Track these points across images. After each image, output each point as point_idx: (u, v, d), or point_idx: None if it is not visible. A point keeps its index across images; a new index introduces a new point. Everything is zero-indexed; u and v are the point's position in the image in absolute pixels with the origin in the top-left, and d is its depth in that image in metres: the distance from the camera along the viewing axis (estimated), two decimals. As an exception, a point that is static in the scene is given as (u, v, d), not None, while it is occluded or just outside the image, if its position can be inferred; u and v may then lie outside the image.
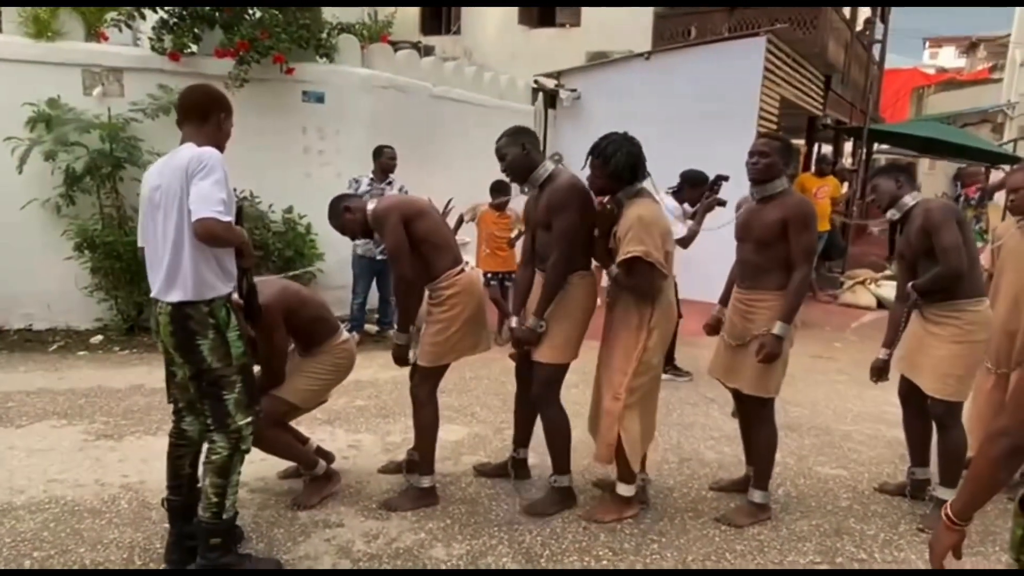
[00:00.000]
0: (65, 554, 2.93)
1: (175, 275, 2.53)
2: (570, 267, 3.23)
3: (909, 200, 3.39)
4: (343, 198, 3.51)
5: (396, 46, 7.97)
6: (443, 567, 2.93)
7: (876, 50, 15.27)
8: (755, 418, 3.47)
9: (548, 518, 3.36)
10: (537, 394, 3.41)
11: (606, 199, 3.31)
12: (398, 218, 3.23)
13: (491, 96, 8.89)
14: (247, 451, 2.75)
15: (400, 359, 3.46)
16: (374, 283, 6.45)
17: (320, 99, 6.78)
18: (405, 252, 3.24)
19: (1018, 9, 24.44)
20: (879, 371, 3.61)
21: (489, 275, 6.23)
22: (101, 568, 2.85)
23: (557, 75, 9.59)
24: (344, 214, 3.40)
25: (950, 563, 1.71)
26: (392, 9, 12.51)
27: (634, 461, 3.29)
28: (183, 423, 2.84)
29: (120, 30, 6.34)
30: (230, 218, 2.51)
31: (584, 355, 3.44)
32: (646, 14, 11.53)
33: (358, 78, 6.99)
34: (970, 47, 37.73)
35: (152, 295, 2.63)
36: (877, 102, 16.08)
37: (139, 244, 2.76)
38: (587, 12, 12.39)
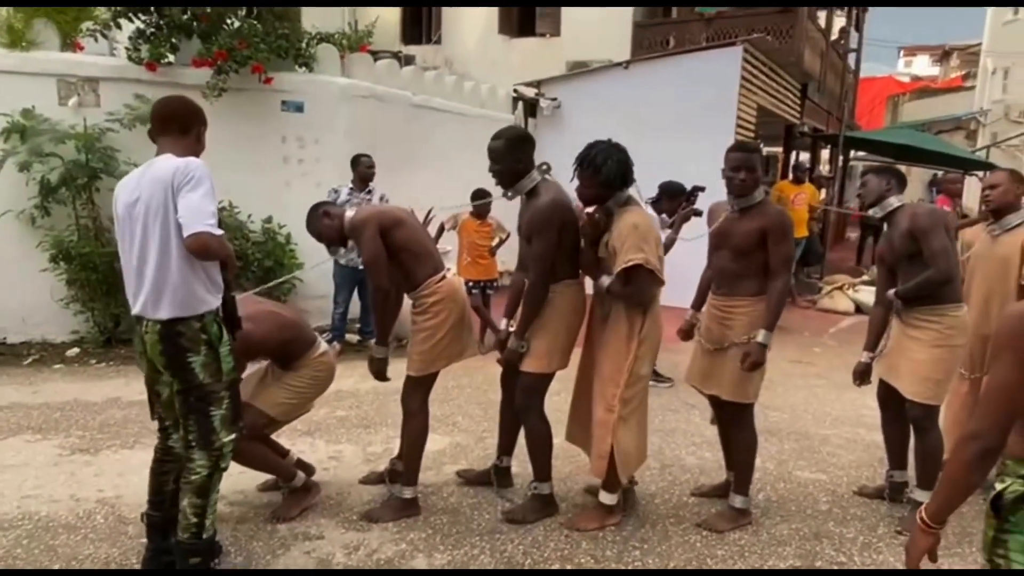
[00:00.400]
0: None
1: (162, 291, 2.47)
2: (553, 278, 3.24)
3: (895, 201, 3.43)
4: (321, 205, 3.49)
5: (376, 56, 7.97)
6: None
7: (852, 59, 15.53)
8: (734, 424, 3.49)
9: (530, 527, 3.34)
10: (519, 402, 3.42)
11: (593, 209, 3.28)
12: (375, 228, 3.21)
13: (472, 105, 8.91)
14: (226, 468, 2.71)
15: (379, 374, 3.44)
16: (355, 293, 6.43)
17: (299, 108, 6.76)
18: (383, 262, 3.22)
19: (989, 18, 24.96)
20: (861, 374, 3.65)
21: (471, 283, 6.23)
22: (76, 585, 2.81)
23: (537, 84, 9.65)
24: (322, 219, 3.39)
25: (926, 565, 1.73)
26: (372, 19, 12.53)
27: (624, 473, 3.29)
28: (170, 440, 2.80)
29: (96, 40, 6.29)
30: (222, 231, 2.47)
31: (570, 361, 3.45)
32: (625, 24, 11.63)
33: (337, 87, 6.98)
34: (943, 55, 38.47)
35: (135, 313, 2.56)
36: (853, 110, 16.33)
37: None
38: (567, 22, 12.47)
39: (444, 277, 3.41)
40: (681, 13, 13.30)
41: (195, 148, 2.64)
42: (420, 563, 3.02)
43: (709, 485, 3.86)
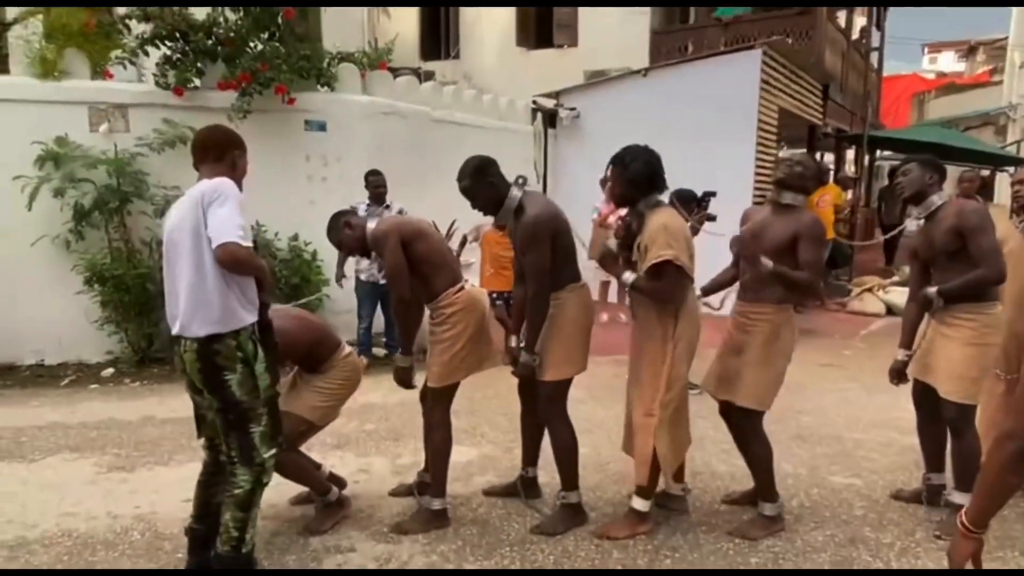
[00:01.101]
0: (79, 587, 2.95)
1: (197, 307, 2.50)
2: (557, 285, 3.26)
3: (937, 200, 3.37)
4: (343, 214, 3.53)
5: (396, 72, 8.06)
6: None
7: (874, 57, 15.35)
8: (744, 435, 3.45)
9: (560, 537, 3.33)
10: (543, 411, 3.43)
11: (626, 213, 3.28)
12: (396, 240, 3.25)
13: (491, 118, 8.96)
14: (267, 483, 2.75)
15: (404, 382, 3.49)
16: (379, 307, 6.48)
17: (322, 127, 6.85)
18: (404, 273, 3.26)
19: (1016, 11, 24.51)
20: (898, 373, 3.61)
21: (495, 295, 6.23)
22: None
23: (556, 95, 9.69)
24: (344, 229, 3.43)
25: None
26: (392, 36, 12.70)
27: (666, 474, 3.31)
28: (220, 454, 2.82)
29: (124, 67, 6.43)
30: (250, 244, 2.51)
31: (593, 370, 3.45)
32: (643, 31, 11.64)
33: (359, 106, 7.07)
34: (969, 51, 37.80)
35: (174, 333, 2.60)
36: (877, 109, 16.14)
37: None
38: (584, 32, 12.52)
39: (462, 288, 3.41)
40: (699, 19, 13.26)
41: (231, 173, 2.67)
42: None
43: (740, 492, 3.82)
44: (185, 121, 6.31)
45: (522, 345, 3.32)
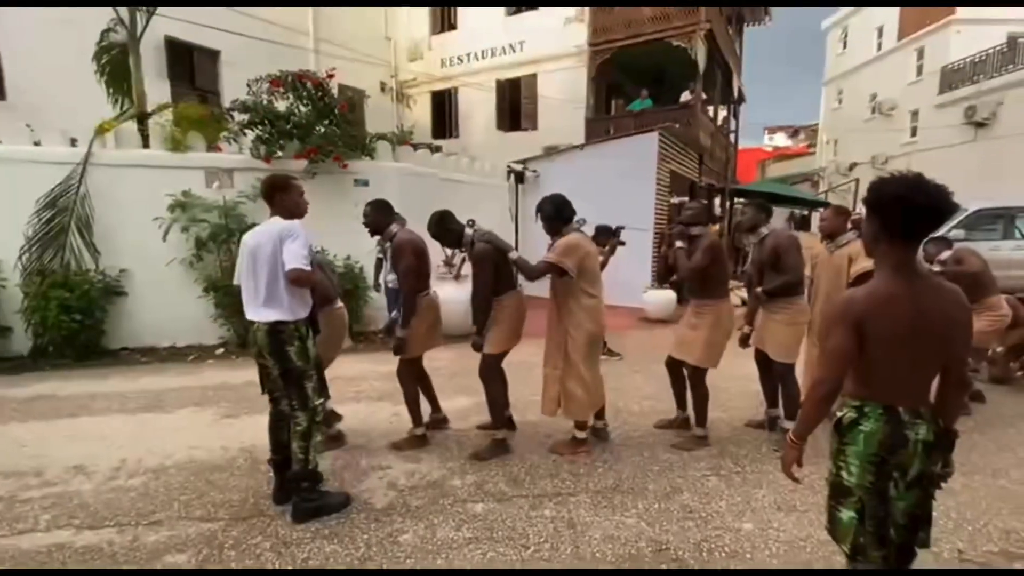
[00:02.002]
0: (202, 496, 2.90)
1: (271, 303, 2.53)
2: (499, 292, 3.24)
3: (764, 230, 3.49)
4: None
5: (416, 147, 8.03)
6: (459, 493, 2.90)
7: (732, 136, 15.61)
8: (694, 382, 3.50)
9: (526, 455, 3.33)
10: (484, 373, 3.35)
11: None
12: (412, 249, 3.27)
13: (479, 177, 8.96)
14: (320, 421, 2.72)
15: (398, 349, 3.36)
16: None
17: (366, 183, 6.80)
18: (416, 273, 3.28)
19: (823, 105, 25.06)
20: (743, 340, 3.69)
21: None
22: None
23: (523, 162, 9.71)
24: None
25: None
26: (412, 122, 12.63)
27: (580, 416, 3.31)
28: (280, 405, 2.79)
29: (230, 143, 6.35)
30: (310, 267, 2.53)
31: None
32: (580, 119, 11.68)
33: (391, 169, 7.02)
34: (794, 132, 38.60)
35: (250, 318, 2.60)
36: (735, 170, 16.41)
37: (235, 283, 2.71)
38: (542, 120, 12.54)
39: (427, 294, 3.44)
40: (618, 111, 13.41)
41: (285, 209, 2.63)
42: (456, 483, 3.02)
43: (666, 420, 3.86)
44: (272, 180, 6.24)
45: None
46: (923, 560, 2.33)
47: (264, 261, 2.52)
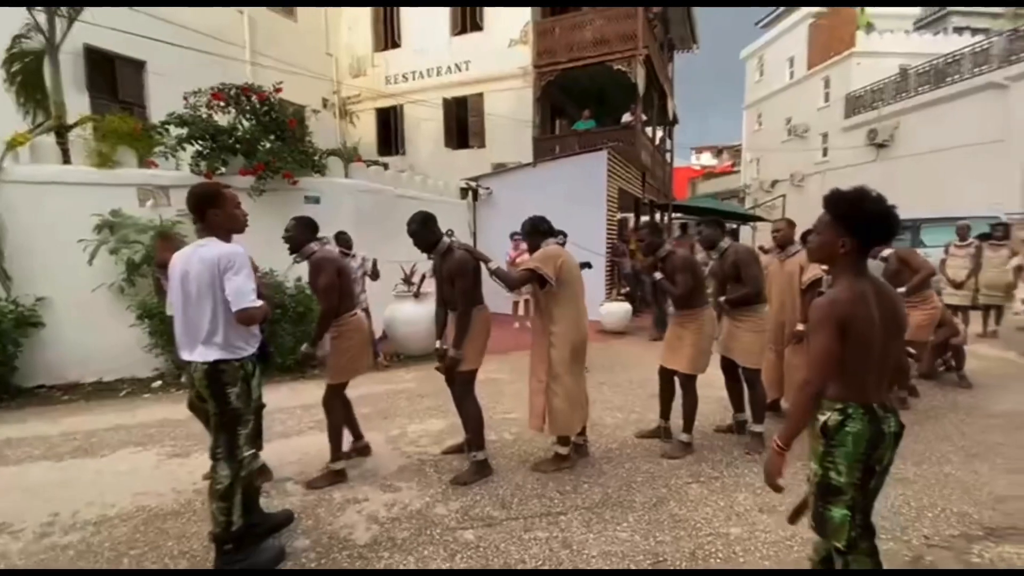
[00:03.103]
0: (157, 548, 2.59)
1: (211, 341, 2.22)
2: (472, 307, 3.17)
3: (724, 244, 3.65)
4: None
5: (370, 163, 7.84)
6: (446, 521, 2.77)
7: (668, 155, 16.45)
8: (685, 388, 3.54)
9: (511, 474, 3.25)
10: (459, 393, 3.25)
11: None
12: (334, 268, 3.10)
13: (433, 194, 8.87)
14: (246, 478, 2.36)
15: (306, 360, 3.17)
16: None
17: (317, 201, 6.54)
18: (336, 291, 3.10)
19: (745, 126, 26.98)
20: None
21: (445, 314, 6.12)
22: (174, 569, 2.53)
23: (475, 179, 9.72)
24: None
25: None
26: (357, 138, 12.32)
27: (565, 431, 3.27)
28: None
29: (167, 159, 5.90)
30: (261, 302, 2.26)
31: (519, 360, 3.41)
32: (527, 137, 11.85)
33: (344, 186, 6.81)
34: (719, 152, 41.26)
35: (186, 358, 2.26)
36: (671, 187, 17.25)
37: (168, 313, 2.38)
38: (490, 137, 12.64)
39: (355, 314, 3.25)
40: (562, 130, 13.76)
41: (217, 225, 2.26)
42: (441, 511, 2.88)
43: (648, 430, 3.89)
44: (215, 198, 5.86)
45: (446, 346, 3.20)
46: (896, 548, 2.48)
47: (201, 294, 2.19)
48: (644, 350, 6.77)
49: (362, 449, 3.63)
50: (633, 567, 2.38)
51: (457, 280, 3.12)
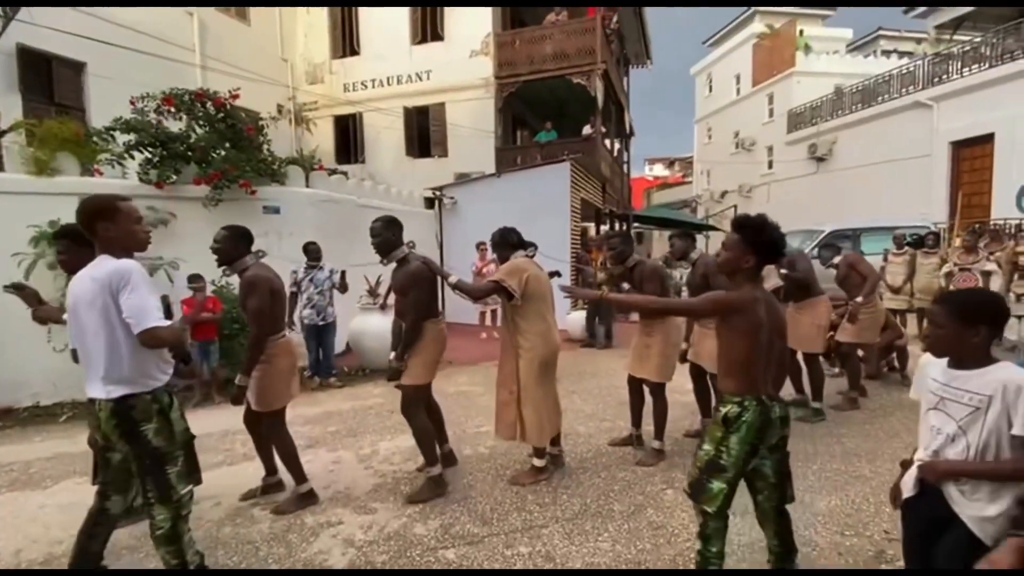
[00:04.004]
0: (113, 588, 2.41)
1: (114, 374, 1.96)
2: (423, 319, 3.11)
3: (695, 255, 3.78)
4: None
5: (332, 172, 7.65)
6: (426, 541, 2.70)
7: (625, 167, 16.92)
8: (654, 395, 3.61)
9: (489, 490, 3.22)
10: (404, 409, 3.17)
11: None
12: (267, 288, 2.88)
13: (397, 204, 8.76)
14: (187, 515, 2.14)
15: (237, 400, 2.93)
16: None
17: (276, 211, 6.33)
18: (268, 313, 2.89)
19: (696, 139, 28.08)
20: (682, 356, 3.85)
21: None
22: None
23: (440, 188, 9.67)
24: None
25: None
26: (314, 146, 12.01)
27: (537, 442, 3.25)
28: (107, 503, 2.22)
29: (113, 167, 5.56)
30: (169, 322, 2.02)
31: (488, 371, 3.38)
32: (490, 147, 11.95)
33: (304, 195, 6.62)
34: (671, 163, 42.80)
35: (90, 395, 2.00)
36: (630, 197, 17.73)
37: (71, 346, 2.11)
38: (452, 146, 12.62)
39: (284, 336, 3.06)
40: (524, 141, 13.94)
41: (110, 244, 2.00)
42: (419, 530, 2.82)
43: (620, 438, 3.93)
44: (167, 208, 5.57)
45: (391, 358, 3.15)
46: (859, 543, 2.61)
47: (94, 320, 1.92)
48: (610, 358, 6.88)
49: (271, 487, 3.27)
50: (617, 577, 2.40)
51: (410, 291, 3.08)
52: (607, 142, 14.42)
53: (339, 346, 6.15)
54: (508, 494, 3.19)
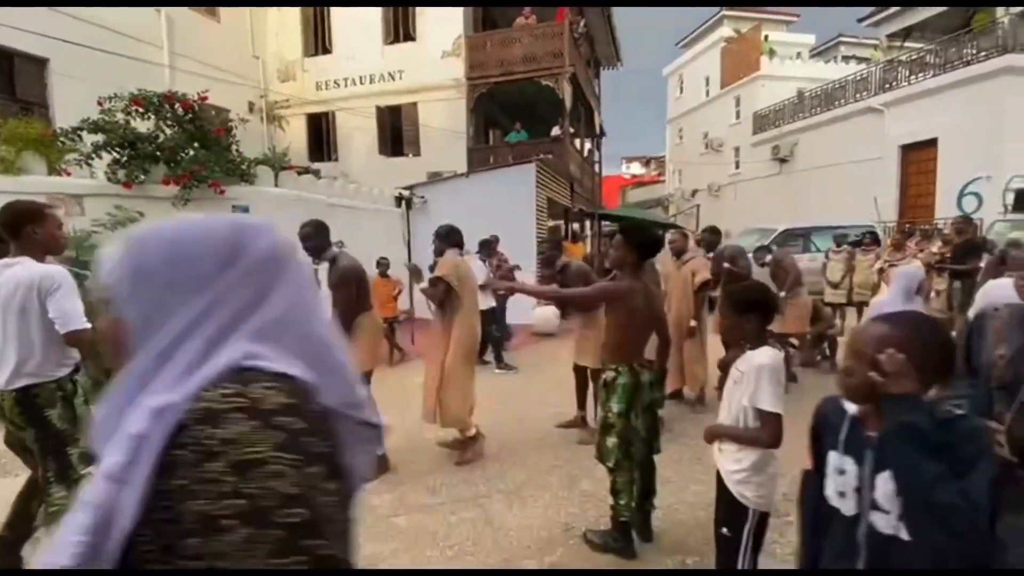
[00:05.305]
0: None
1: (23, 368, 2.11)
2: (358, 313, 3.29)
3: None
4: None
5: (303, 171, 7.81)
6: (379, 511, 2.96)
7: (596, 166, 17.36)
8: (595, 383, 3.90)
9: (436, 471, 3.43)
10: None
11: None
12: None
13: (368, 203, 8.96)
14: None
15: None
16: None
17: (246, 210, 6.46)
18: None
19: (668, 139, 28.73)
20: None
21: (383, 319, 6.25)
22: None
23: (410, 188, 9.90)
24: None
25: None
26: (286, 143, 12.09)
27: (456, 424, 3.52)
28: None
29: (81, 167, 5.68)
30: (91, 324, 2.12)
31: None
32: (462, 147, 12.20)
33: (273, 195, 6.78)
34: (647, 162, 43.60)
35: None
36: (600, 196, 18.16)
37: None
38: (425, 146, 12.83)
39: None
40: (495, 141, 14.25)
41: (34, 246, 2.13)
42: (375, 502, 3.05)
43: (567, 420, 4.22)
44: (135, 207, 5.70)
45: None
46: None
47: (12, 319, 2.07)
48: (571, 351, 7.24)
49: None
50: (546, 535, 2.74)
51: (343, 288, 3.25)
52: (577, 142, 14.82)
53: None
54: (460, 471, 3.50)
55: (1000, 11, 12.87)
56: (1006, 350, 1.49)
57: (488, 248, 5.92)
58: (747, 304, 1.89)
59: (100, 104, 5.83)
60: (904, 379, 1.00)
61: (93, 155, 5.65)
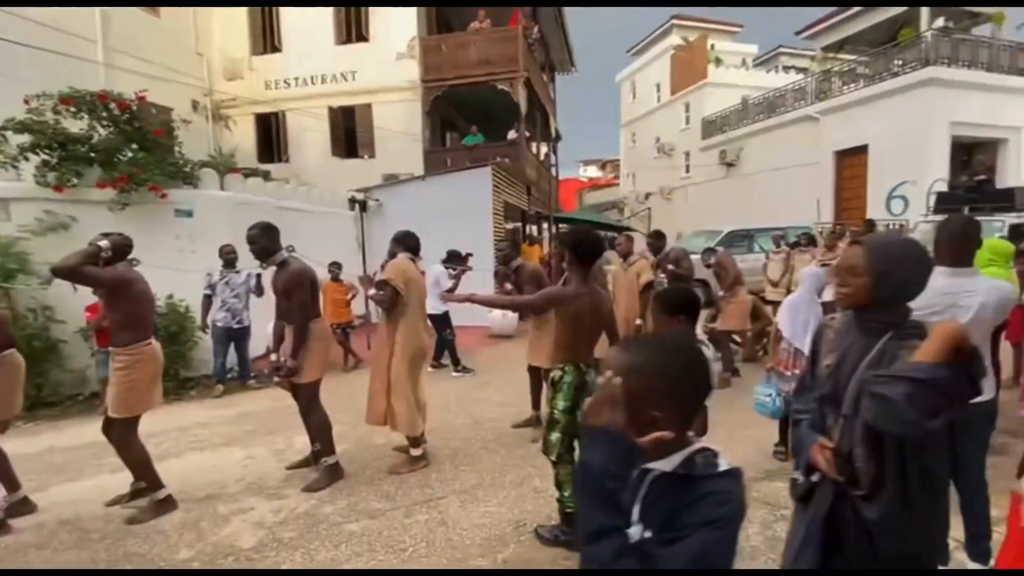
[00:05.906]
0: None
1: None
2: (308, 319, 3.27)
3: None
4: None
5: (250, 173, 7.58)
6: (332, 518, 2.97)
7: (553, 169, 17.62)
8: (547, 382, 3.94)
9: (381, 480, 3.40)
10: (303, 404, 3.36)
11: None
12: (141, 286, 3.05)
13: (320, 206, 8.79)
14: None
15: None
16: (232, 347, 5.84)
17: (189, 214, 6.25)
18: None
19: (623, 143, 29.44)
20: None
21: (335, 325, 6.19)
22: None
23: (365, 190, 9.78)
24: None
25: None
26: (233, 145, 11.69)
27: (410, 430, 3.50)
28: None
29: (6, 169, 5.33)
30: None
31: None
32: (418, 150, 12.12)
33: (218, 198, 6.55)
34: (603, 165, 44.48)
35: None
36: (557, 199, 18.45)
37: None
38: (380, 148, 12.67)
39: (149, 343, 3.06)
40: (452, 143, 14.25)
41: None
42: (328, 510, 3.08)
43: (522, 421, 4.30)
44: (67, 211, 5.43)
45: (283, 359, 3.27)
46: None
47: None
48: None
49: (139, 492, 3.20)
50: (498, 532, 2.82)
51: (293, 292, 3.21)
52: (533, 146, 15.03)
53: (259, 349, 6.21)
54: (414, 474, 3.52)
55: (923, 26, 13.94)
56: (832, 360, 1.41)
57: (458, 260, 5.95)
58: (676, 306, 2.05)
59: (27, 103, 5.50)
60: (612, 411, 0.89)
61: (19, 157, 5.32)
